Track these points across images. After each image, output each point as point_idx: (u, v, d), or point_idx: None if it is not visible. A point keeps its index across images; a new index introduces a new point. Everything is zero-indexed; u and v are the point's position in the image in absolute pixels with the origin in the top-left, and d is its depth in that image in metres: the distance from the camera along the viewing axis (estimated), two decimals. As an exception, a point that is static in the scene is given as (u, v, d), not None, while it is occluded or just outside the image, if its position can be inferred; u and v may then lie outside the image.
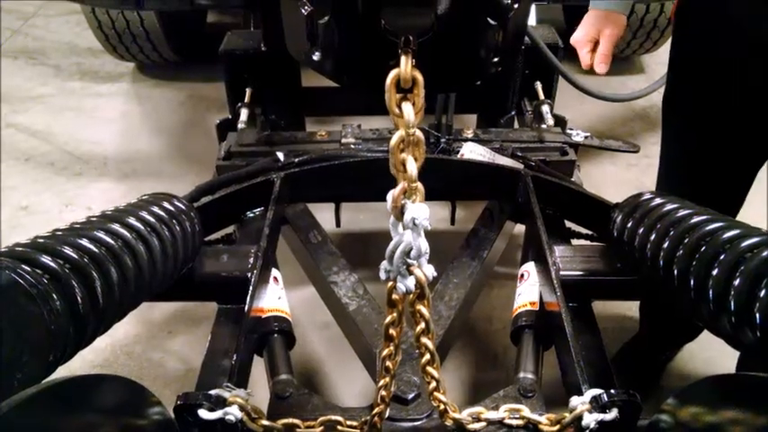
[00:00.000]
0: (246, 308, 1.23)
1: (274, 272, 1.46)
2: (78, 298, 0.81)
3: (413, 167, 0.76)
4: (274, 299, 1.41)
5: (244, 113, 2.07)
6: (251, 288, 1.27)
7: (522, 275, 1.48)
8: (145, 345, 2.03)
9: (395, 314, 0.93)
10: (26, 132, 3.19)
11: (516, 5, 0.77)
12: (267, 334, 1.36)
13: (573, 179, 1.88)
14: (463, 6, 0.74)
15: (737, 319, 0.84)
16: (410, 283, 0.86)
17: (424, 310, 0.91)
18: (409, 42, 0.71)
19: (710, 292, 0.89)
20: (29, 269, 0.76)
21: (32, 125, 3.25)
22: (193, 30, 3.70)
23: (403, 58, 0.71)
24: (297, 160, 1.72)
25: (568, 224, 1.61)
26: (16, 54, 3.95)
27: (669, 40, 2.94)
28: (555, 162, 1.89)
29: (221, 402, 1.00)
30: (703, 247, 0.94)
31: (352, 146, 1.92)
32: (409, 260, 0.84)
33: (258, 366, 1.30)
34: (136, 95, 3.55)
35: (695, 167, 1.56)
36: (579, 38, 1.69)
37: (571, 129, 2.00)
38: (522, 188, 1.58)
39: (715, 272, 0.89)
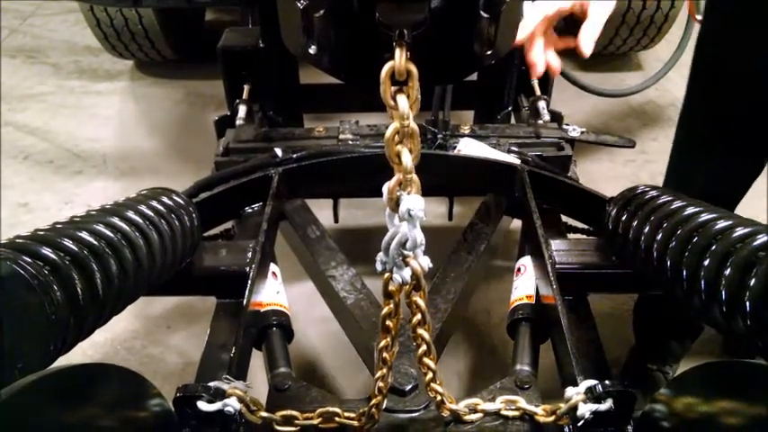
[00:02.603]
0: (245, 301, 1.24)
1: (273, 267, 1.47)
2: (78, 289, 0.82)
3: (408, 159, 0.77)
4: (273, 293, 1.42)
5: (242, 110, 2.08)
6: (249, 282, 1.28)
7: (519, 269, 1.49)
8: (144, 340, 2.04)
9: (391, 305, 0.94)
10: (25, 130, 3.20)
11: (508, -1, 0.78)
12: (266, 328, 1.36)
13: (569, 174, 1.89)
14: (456, 0, 0.75)
15: (728, 309, 0.85)
16: (406, 274, 0.87)
17: (420, 301, 0.92)
18: (403, 36, 0.72)
19: (702, 283, 0.90)
20: (29, 260, 0.77)
21: (31, 123, 3.26)
22: (192, 27, 3.71)
23: (397, 51, 0.72)
24: (295, 156, 1.72)
25: (566, 219, 1.63)
26: (14, 53, 3.96)
27: (665, 37, 2.96)
28: (551, 157, 1.89)
29: (220, 394, 1.01)
30: (695, 239, 0.96)
31: (350, 142, 1.93)
32: (405, 251, 0.85)
33: (257, 361, 1.31)
34: (134, 93, 3.55)
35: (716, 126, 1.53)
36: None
37: (567, 124, 2.01)
38: (518, 183, 1.59)
39: (706, 262, 0.90)
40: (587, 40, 1.26)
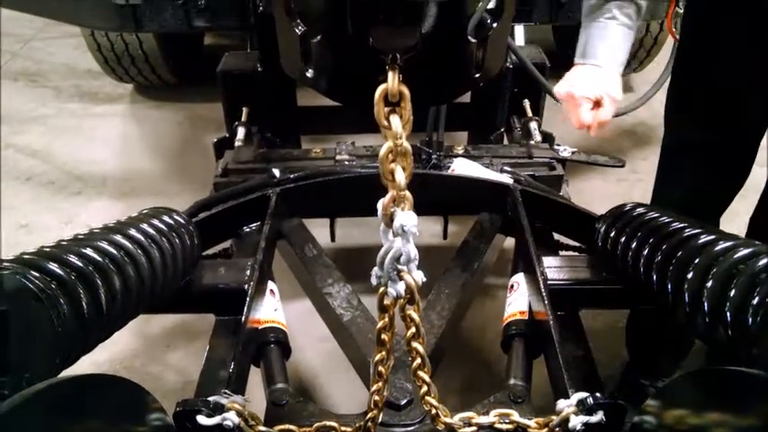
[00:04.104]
0: (244, 318, 1.26)
1: (271, 285, 1.49)
2: (84, 304, 0.85)
3: (401, 176, 0.80)
4: (271, 310, 1.44)
5: (241, 132, 2.13)
6: (248, 299, 1.30)
7: (512, 286, 1.52)
8: (143, 358, 2.06)
9: (386, 319, 0.97)
10: (26, 152, 3.24)
11: (495, 24, 0.83)
12: (264, 344, 1.38)
13: (561, 193, 1.92)
14: (445, 26, 0.79)
15: (711, 319, 0.88)
16: (400, 287, 0.90)
17: (415, 315, 0.95)
18: (396, 59, 0.76)
19: (686, 295, 0.94)
20: (37, 275, 0.79)
21: (32, 145, 3.30)
22: (191, 52, 3.77)
23: (390, 74, 0.76)
24: (292, 176, 1.76)
25: (558, 237, 1.66)
26: (16, 76, 4.01)
27: (655, 59, 3.01)
28: (543, 177, 1.94)
29: (219, 408, 1.03)
30: (680, 253, 0.99)
31: (347, 162, 1.97)
32: (399, 266, 0.88)
33: (255, 378, 1.33)
34: (134, 116, 3.60)
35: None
36: (585, 92, 1.50)
37: (558, 145, 2.06)
38: (511, 202, 1.63)
39: (690, 275, 0.94)
40: (595, 122, 1.52)
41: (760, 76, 1.41)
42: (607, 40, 1.49)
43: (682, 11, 1.62)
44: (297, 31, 0.83)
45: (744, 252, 0.89)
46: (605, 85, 1.50)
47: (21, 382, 0.72)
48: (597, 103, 1.51)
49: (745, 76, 1.43)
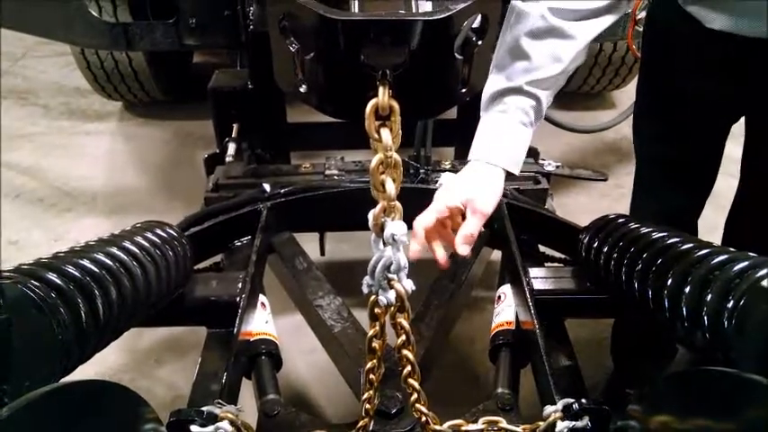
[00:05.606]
0: (235, 330, 1.28)
1: (262, 298, 1.51)
2: (82, 313, 0.86)
3: (391, 187, 0.84)
4: (262, 323, 1.46)
5: (231, 148, 2.15)
6: (240, 312, 1.32)
7: (500, 297, 1.55)
8: (132, 373, 2.05)
9: (377, 327, 1.00)
10: (16, 170, 3.23)
11: (480, 42, 0.87)
12: (255, 356, 1.40)
13: (546, 207, 1.97)
14: (433, 44, 0.83)
15: (690, 324, 0.92)
16: (391, 295, 0.93)
17: (405, 323, 0.98)
18: (386, 75, 0.80)
19: (666, 301, 0.97)
20: (37, 284, 0.81)
21: (22, 162, 3.29)
22: (180, 69, 3.80)
23: (381, 89, 0.79)
24: (282, 191, 1.78)
25: (544, 249, 1.70)
26: (5, 94, 4.01)
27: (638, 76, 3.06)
28: (528, 190, 1.98)
29: (213, 418, 1.04)
30: (659, 261, 1.03)
31: (336, 177, 2.00)
32: (390, 274, 0.91)
33: (246, 391, 1.34)
34: (123, 133, 3.61)
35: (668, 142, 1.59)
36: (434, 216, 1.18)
37: (543, 159, 2.10)
38: (497, 215, 1.66)
39: (669, 282, 0.97)
40: (460, 241, 1.19)
41: (713, 90, 1.45)
42: (497, 137, 1.24)
43: (641, 29, 1.67)
44: (291, 48, 0.87)
45: (719, 259, 0.92)
46: (471, 193, 1.19)
47: (22, 389, 0.73)
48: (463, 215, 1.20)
49: (699, 91, 1.47)
